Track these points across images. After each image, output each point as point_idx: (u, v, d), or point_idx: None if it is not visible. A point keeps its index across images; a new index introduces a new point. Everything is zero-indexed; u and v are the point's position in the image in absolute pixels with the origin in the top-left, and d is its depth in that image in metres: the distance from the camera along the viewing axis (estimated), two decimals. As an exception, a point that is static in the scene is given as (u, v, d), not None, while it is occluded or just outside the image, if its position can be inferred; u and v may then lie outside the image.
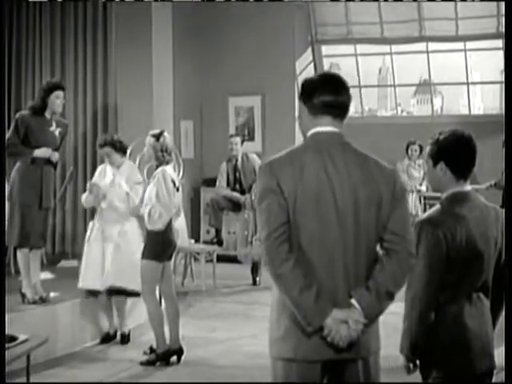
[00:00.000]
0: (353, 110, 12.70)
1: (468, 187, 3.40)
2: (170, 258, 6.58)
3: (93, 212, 7.98)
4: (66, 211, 9.87)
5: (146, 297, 6.47)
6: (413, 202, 10.91)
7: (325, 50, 12.57)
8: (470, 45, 12.02)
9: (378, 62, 13.26)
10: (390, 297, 3.06)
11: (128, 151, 7.42)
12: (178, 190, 6.50)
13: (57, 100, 6.80)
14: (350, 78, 11.60)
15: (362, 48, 12.51)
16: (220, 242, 10.07)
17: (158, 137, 6.42)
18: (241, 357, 6.73)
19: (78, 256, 7.56)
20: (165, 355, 6.49)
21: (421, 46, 12.14)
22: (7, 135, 6.76)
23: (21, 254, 6.89)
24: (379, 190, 3.07)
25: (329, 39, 12.38)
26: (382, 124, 12.55)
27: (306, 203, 3.01)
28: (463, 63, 12.15)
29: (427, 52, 12.20)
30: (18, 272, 7.26)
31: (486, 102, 12.83)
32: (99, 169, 7.44)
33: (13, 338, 5.13)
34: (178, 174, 7.48)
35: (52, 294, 7.03)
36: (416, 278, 3.25)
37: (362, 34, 12.18)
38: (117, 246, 7.06)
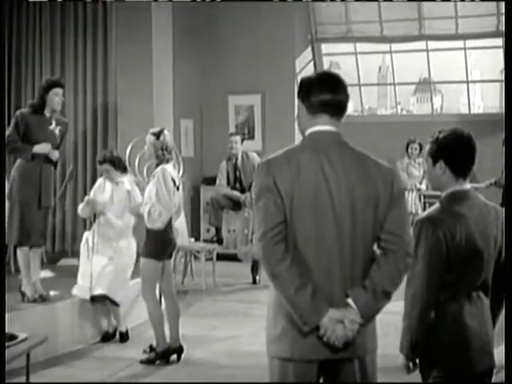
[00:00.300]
0: (352, 108, 12.70)
1: (468, 186, 3.40)
2: (170, 257, 6.58)
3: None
4: (66, 210, 9.87)
5: (146, 295, 6.47)
6: (412, 201, 10.91)
7: (325, 48, 12.56)
8: (469, 43, 12.01)
9: (377, 60, 13.24)
10: (387, 296, 3.06)
11: (128, 168, 7.48)
12: (178, 188, 6.49)
13: (55, 97, 6.79)
14: (349, 77, 11.68)
15: (361, 46, 12.50)
16: (220, 241, 10.07)
17: (158, 135, 6.41)
18: (241, 355, 6.73)
19: (77, 254, 7.55)
20: (165, 354, 6.49)
21: (420, 44, 12.14)
22: (7, 132, 6.76)
23: (21, 253, 6.89)
24: (377, 189, 3.07)
25: (329, 38, 12.37)
26: (381, 123, 12.54)
27: (303, 203, 3.00)
28: (463, 62, 12.14)
29: (427, 50, 12.19)
30: (17, 270, 7.26)
31: (486, 100, 12.82)
32: (98, 182, 7.46)
33: (12, 337, 5.13)
34: (178, 173, 7.47)
35: (52, 293, 7.04)
36: (416, 276, 3.25)
37: (361, 33, 12.17)
38: (110, 260, 7.14)
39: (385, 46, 12.44)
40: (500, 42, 11.31)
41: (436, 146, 3.38)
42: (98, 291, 7.01)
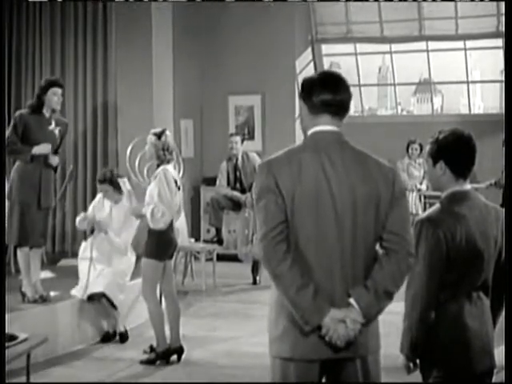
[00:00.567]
0: (353, 109, 12.69)
1: (468, 186, 3.40)
2: (170, 257, 6.59)
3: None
4: (66, 210, 9.87)
5: (147, 295, 6.47)
6: (413, 201, 10.91)
7: (325, 48, 12.55)
8: (469, 44, 12.00)
9: (377, 60, 13.24)
10: (389, 296, 3.06)
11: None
12: (179, 189, 6.50)
13: (54, 97, 6.77)
14: (349, 77, 11.62)
15: (361, 47, 12.50)
16: (220, 241, 10.06)
17: (159, 135, 6.41)
18: (241, 356, 6.73)
19: (77, 255, 7.57)
20: (165, 354, 6.49)
21: (421, 44, 12.13)
22: (7, 134, 6.76)
23: (21, 253, 6.89)
24: (378, 188, 3.07)
25: (329, 38, 12.37)
26: (382, 123, 12.54)
27: (304, 203, 3.01)
28: (463, 62, 12.14)
29: (427, 51, 12.19)
30: (18, 271, 7.26)
31: (486, 101, 12.82)
32: (97, 198, 7.51)
33: (13, 337, 5.13)
34: (179, 173, 7.48)
35: (52, 293, 7.03)
36: (416, 277, 3.25)
37: (361, 33, 12.17)
38: (108, 266, 7.22)
39: (385, 47, 12.44)
40: (500, 42, 11.31)
41: (436, 147, 3.38)
42: (96, 289, 7.02)
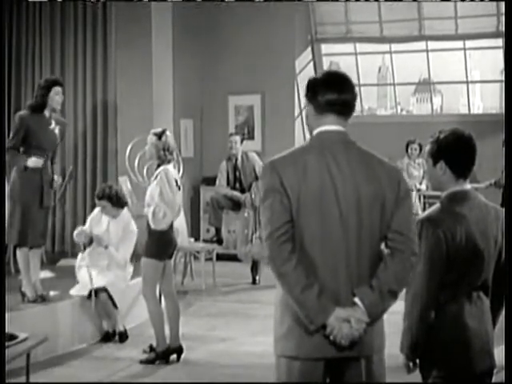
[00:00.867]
0: (352, 108, 12.67)
1: (468, 186, 3.40)
2: (170, 257, 6.59)
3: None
4: (65, 210, 9.88)
5: (147, 295, 6.47)
6: (412, 201, 10.91)
7: (324, 48, 12.55)
8: (469, 43, 12.01)
9: (377, 60, 13.25)
10: (394, 296, 3.07)
11: (127, 203, 7.51)
12: (179, 188, 6.50)
13: (56, 96, 6.77)
14: (349, 77, 11.67)
15: (361, 47, 12.50)
16: (220, 241, 10.07)
17: (160, 135, 6.40)
18: (241, 356, 6.72)
19: (77, 255, 7.57)
20: (165, 354, 6.49)
21: (420, 44, 12.13)
22: (10, 138, 6.75)
23: (20, 253, 6.89)
24: (383, 188, 3.08)
25: (328, 38, 12.37)
26: (381, 123, 12.54)
27: (309, 203, 3.01)
28: (463, 62, 12.14)
29: (427, 51, 12.19)
30: (17, 271, 7.26)
31: (486, 100, 12.83)
32: (95, 212, 7.51)
33: (13, 337, 5.13)
34: (178, 173, 7.49)
35: (52, 293, 7.03)
36: (416, 276, 3.25)
37: (361, 33, 12.17)
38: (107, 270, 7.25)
39: (385, 47, 12.44)
40: (500, 42, 11.31)
41: (436, 147, 3.39)
42: (99, 284, 7.04)
